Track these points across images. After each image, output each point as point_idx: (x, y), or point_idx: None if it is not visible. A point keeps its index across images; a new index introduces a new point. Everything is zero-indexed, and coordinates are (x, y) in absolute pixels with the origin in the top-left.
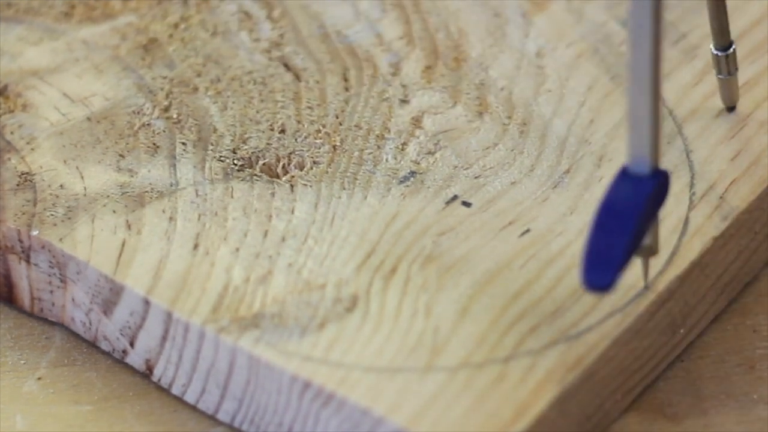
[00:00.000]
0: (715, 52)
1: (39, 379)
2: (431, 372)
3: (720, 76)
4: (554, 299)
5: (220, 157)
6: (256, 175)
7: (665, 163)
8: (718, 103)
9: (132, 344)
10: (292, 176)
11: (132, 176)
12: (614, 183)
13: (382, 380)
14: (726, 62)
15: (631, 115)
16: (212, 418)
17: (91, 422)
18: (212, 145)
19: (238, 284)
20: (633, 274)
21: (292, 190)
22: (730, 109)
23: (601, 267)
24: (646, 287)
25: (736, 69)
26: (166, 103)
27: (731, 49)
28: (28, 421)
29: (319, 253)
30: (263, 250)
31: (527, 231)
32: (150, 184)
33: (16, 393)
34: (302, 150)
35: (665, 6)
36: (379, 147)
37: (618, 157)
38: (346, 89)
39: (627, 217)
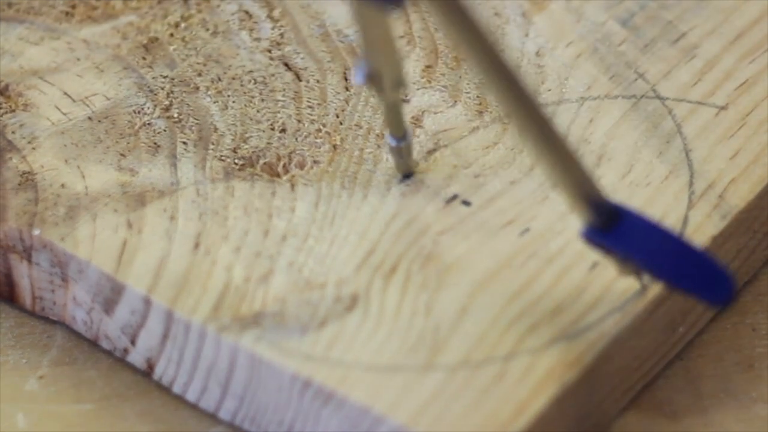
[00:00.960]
0: (393, 143)
1: (40, 377)
2: (431, 371)
3: (400, 160)
4: (554, 298)
5: (221, 156)
6: (256, 174)
7: (665, 162)
8: (717, 101)
9: (133, 343)
10: (293, 175)
11: (133, 175)
12: (621, 242)
13: (382, 379)
14: (406, 150)
15: (558, 178)
16: (213, 417)
17: (93, 421)
18: (213, 144)
19: (239, 283)
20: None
21: (292, 189)
22: (407, 176)
23: (716, 285)
24: (644, 287)
25: (411, 154)
26: (166, 102)
27: (407, 139)
28: (30, 419)
29: (319, 252)
30: (264, 249)
31: (527, 230)
32: (151, 183)
33: (18, 392)
34: (303, 149)
35: (665, 5)
36: (379, 146)
37: (617, 157)
38: (347, 88)
39: (672, 241)
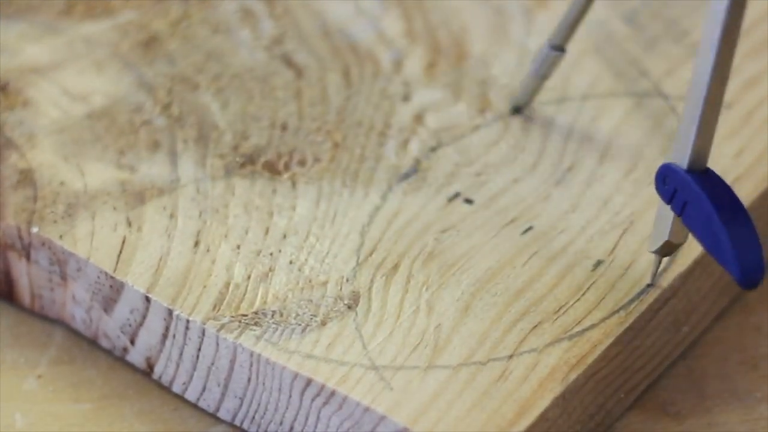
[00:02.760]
0: (552, 51)
1: (39, 377)
2: (433, 370)
3: (535, 74)
4: (557, 297)
5: (222, 154)
6: (257, 172)
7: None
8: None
9: (132, 342)
10: (294, 173)
11: (132, 173)
12: (699, 186)
13: (383, 378)
14: (552, 64)
15: (705, 114)
16: (213, 417)
17: (91, 420)
18: (213, 142)
19: (239, 282)
20: (636, 271)
21: (293, 187)
22: (517, 110)
23: (754, 266)
24: (650, 285)
25: (548, 76)
26: (167, 100)
27: (561, 54)
28: (28, 419)
29: (320, 250)
30: (264, 248)
31: (529, 228)
32: (151, 181)
33: (16, 391)
34: (304, 147)
35: (669, 5)
36: (380, 144)
37: (620, 155)
38: (348, 86)
39: (741, 211)
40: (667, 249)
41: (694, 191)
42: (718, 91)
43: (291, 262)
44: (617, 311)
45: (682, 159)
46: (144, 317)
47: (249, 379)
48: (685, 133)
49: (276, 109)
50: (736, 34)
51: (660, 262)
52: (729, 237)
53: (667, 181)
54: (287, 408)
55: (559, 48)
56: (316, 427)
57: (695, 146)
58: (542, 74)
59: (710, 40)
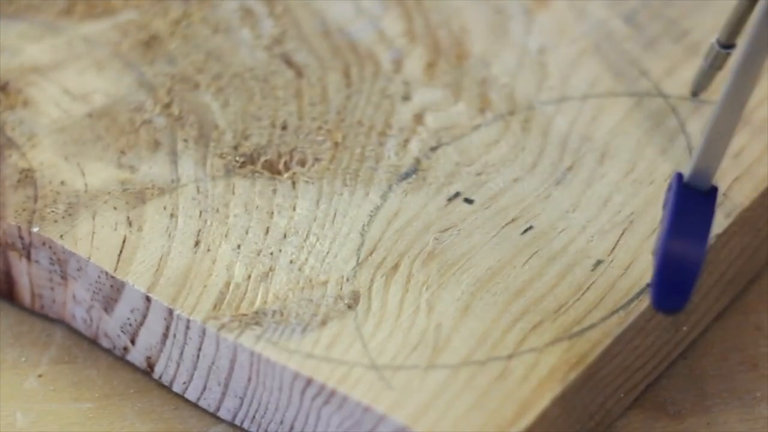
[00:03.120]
0: (719, 48)
1: (39, 376)
2: (433, 369)
3: (707, 67)
4: (557, 296)
5: (222, 153)
6: (257, 171)
7: (668, 161)
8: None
9: (133, 342)
10: (294, 173)
11: (133, 173)
12: (676, 198)
13: (383, 378)
14: (722, 59)
15: (714, 132)
16: (213, 416)
17: (92, 420)
18: (214, 141)
19: (240, 281)
20: (635, 271)
21: (293, 187)
22: (695, 94)
23: (674, 292)
24: (650, 285)
25: (722, 68)
26: (167, 99)
27: (732, 50)
28: (29, 418)
29: (320, 250)
30: (265, 247)
31: (529, 228)
32: (151, 180)
33: (17, 390)
34: (304, 147)
35: (669, 5)
36: (381, 144)
37: (620, 154)
38: (348, 86)
39: (698, 241)
40: None
41: (670, 203)
42: (731, 116)
43: (291, 262)
44: (617, 311)
45: (687, 172)
46: (144, 317)
47: (249, 379)
48: (697, 147)
49: (276, 108)
50: (755, 72)
51: None
52: (663, 257)
53: (670, 189)
54: (287, 407)
55: (727, 46)
56: (316, 426)
57: (697, 163)
58: (715, 67)
59: (732, 72)
